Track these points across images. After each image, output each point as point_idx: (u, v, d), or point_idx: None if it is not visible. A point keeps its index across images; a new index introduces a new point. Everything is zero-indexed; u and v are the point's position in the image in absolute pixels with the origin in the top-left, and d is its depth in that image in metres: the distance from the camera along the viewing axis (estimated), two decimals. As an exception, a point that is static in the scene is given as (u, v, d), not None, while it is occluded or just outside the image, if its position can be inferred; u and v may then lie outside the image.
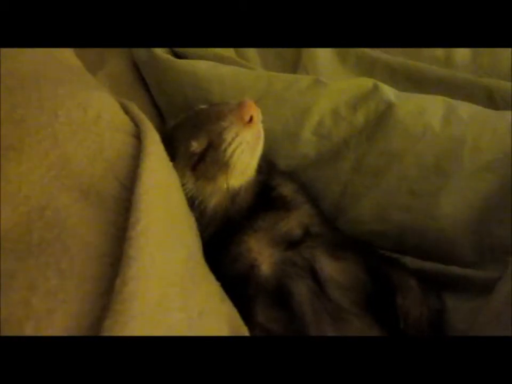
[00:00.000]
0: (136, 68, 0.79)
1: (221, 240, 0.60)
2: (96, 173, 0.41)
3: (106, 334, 0.31)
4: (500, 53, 0.88)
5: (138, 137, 0.47)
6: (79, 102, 0.45)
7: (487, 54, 0.89)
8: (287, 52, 0.89)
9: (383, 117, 0.67)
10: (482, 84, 0.82)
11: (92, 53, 0.72)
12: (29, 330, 0.31)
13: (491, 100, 0.81)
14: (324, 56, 0.87)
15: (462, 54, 0.89)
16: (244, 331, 0.48)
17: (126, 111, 0.51)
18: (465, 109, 0.68)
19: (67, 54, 0.58)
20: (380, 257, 0.66)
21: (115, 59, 0.76)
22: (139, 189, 0.39)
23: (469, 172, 0.65)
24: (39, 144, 0.39)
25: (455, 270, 0.66)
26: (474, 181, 0.65)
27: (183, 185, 0.55)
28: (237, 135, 0.56)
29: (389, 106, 0.67)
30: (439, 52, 0.90)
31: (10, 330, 0.31)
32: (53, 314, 0.32)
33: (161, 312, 0.35)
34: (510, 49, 0.87)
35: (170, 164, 0.49)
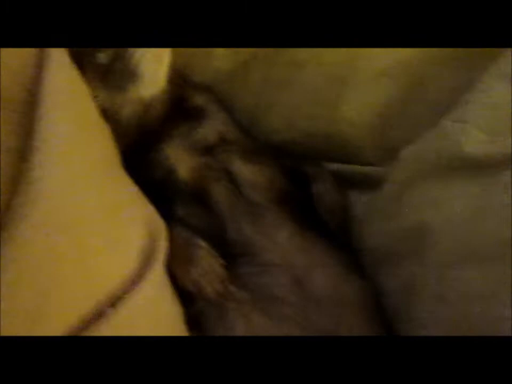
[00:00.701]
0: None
1: (138, 149, 0.63)
2: (2, 82, 0.44)
3: (16, 213, 0.35)
4: None
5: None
6: None
7: None
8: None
9: (287, 29, 0.70)
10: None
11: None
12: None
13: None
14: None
15: None
16: (162, 229, 0.53)
17: None
18: (362, 20, 0.73)
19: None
20: (293, 158, 0.72)
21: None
22: (43, 90, 0.42)
23: (366, 79, 0.70)
24: None
25: (357, 168, 0.74)
26: (372, 87, 0.70)
27: (95, 97, 0.56)
28: None
29: (292, 19, 0.70)
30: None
31: None
32: None
33: (71, 196, 0.39)
34: None
35: (76, 72, 0.51)
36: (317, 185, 0.67)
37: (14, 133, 0.39)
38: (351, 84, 0.70)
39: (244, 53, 0.72)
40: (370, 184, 0.71)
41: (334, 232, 0.66)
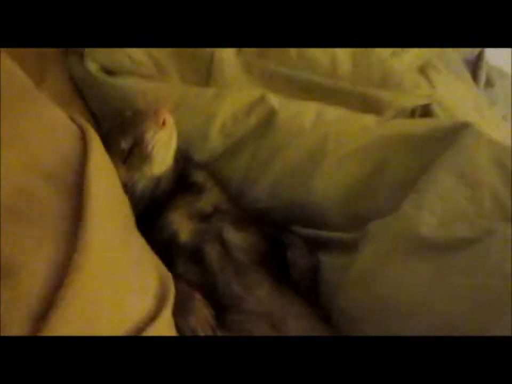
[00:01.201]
0: (73, 82, 0.93)
1: (149, 215, 0.77)
2: (55, 164, 0.54)
3: (74, 264, 0.47)
4: (373, 64, 1.08)
5: (84, 140, 0.62)
6: (39, 116, 0.57)
7: (364, 66, 1.08)
8: (201, 68, 1.03)
9: (269, 119, 0.87)
10: (358, 91, 1.02)
11: (32, 71, 0.82)
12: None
13: (365, 105, 1.00)
14: (231, 71, 1.03)
15: (344, 66, 1.07)
16: (170, 279, 0.65)
17: (72, 120, 0.66)
18: (332, 112, 0.89)
19: (18, 72, 0.71)
20: (274, 226, 0.86)
21: (53, 76, 0.89)
22: (87, 174, 0.54)
23: (334, 161, 0.84)
24: (13, 146, 0.54)
25: (327, 234, 0.83)
26: (339, 167, 0.84)
27: (117, 174, 0.71)
28: (154, 135, 0.74)
29: (273, 111, 0.87)
30: (326, 64, 1.06)
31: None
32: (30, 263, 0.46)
33: (108, 252, 0.52)
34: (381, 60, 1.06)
35: (108, 157, 0.65)
36: (291, 251, 0.80)
37: (68, 207, 0.52)
38: (321, 164, 0.85)
39: (234, 138, 0.89)
40: (339, 247, 0.82)
41: (305, 290, 0.78)
